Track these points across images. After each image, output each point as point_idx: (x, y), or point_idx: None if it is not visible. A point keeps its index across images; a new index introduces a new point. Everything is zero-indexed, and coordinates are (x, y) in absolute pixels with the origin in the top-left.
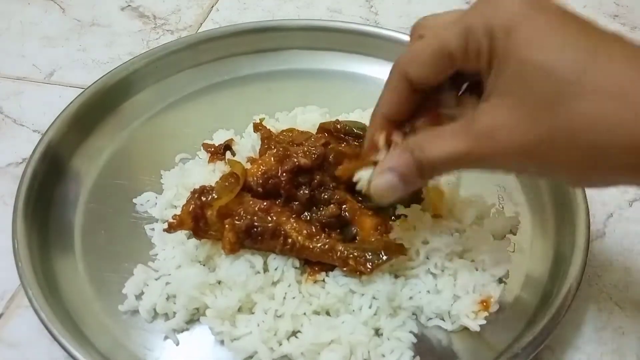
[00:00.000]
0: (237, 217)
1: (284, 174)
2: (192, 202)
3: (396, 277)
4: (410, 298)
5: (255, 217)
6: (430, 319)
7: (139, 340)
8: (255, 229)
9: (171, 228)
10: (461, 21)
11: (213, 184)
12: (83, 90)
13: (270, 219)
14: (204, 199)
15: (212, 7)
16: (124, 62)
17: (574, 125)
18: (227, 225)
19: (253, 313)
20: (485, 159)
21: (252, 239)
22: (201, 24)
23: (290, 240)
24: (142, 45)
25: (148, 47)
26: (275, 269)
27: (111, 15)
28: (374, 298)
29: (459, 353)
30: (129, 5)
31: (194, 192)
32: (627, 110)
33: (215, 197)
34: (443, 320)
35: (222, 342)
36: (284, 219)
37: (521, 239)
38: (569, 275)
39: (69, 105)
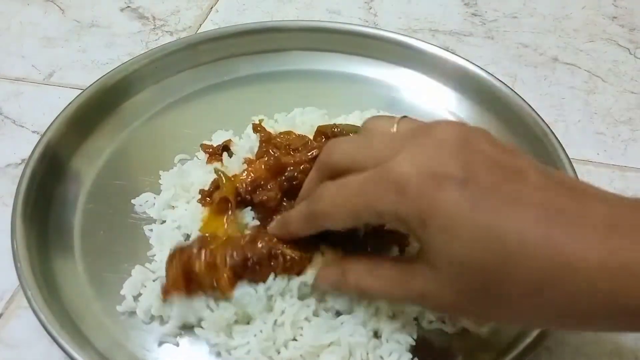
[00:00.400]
0: (228, 256)
1: (275, 190)
2: (176, 264)
3: None
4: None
5: (245, 250)
6: (432, 322)
7: (138, 340)
8: (251, 260)
9: (166, 295)
10: (369, 202)
11: (209, 184)
12: (82, 91)
13: (260, 246)
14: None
15: (212, 8)
16: (123, 63)
17: (507, 313)
18: (220, 265)
19: (249, 324)
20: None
21: (250, 270)
22: (200, 25)
23: (288, 257)
24: (142, 46)
25: (147, 48)
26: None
27: (111, 16)
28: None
29: (458, 354)
30: (129, 7)
31: (172, 255)
32: (558, 297)
33: (195, 249)
34: (444, 322)
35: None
36: (274, 240)
37: None
38: None
39: (68, 105)
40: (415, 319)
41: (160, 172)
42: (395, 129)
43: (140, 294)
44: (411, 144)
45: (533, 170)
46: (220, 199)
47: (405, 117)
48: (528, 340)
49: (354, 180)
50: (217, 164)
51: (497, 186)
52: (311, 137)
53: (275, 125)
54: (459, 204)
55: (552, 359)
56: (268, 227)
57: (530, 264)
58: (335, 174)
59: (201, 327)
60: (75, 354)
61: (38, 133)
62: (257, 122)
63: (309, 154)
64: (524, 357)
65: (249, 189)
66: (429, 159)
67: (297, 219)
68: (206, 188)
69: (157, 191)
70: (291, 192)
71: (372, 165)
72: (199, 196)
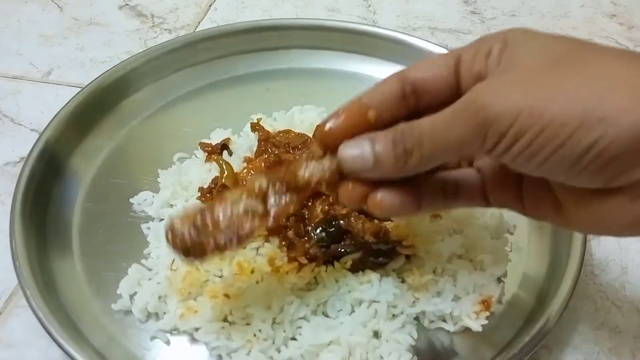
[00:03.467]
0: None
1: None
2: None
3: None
4: (413, 303)
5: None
6: (432, 321)
7: (136, 339)
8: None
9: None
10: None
11: (209, 182)
12: (81, 89)
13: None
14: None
15: (210, 6)
16: (121, 61)
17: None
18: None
19: (249, 324)
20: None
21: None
22: (199, 23)
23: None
24: (140, 44)
25: (146, 46)
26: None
27: (109, 14)
28: (374, 301)
29: (457, 353)
30: (127, 4)
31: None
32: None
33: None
34: (445, 322)
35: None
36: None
37: (518, 238)
38: (566, 274)
39: (66, 104)
40: (416, 318)
41: (159, 171)
42: None
43: (136, 293)
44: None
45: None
46: (221, 186)
47: None
48: (527, 338)
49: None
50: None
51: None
52: (310, 136)
53: (274, 124)
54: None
55: (550, 358)
56: (340, 148)
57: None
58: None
59: (200, 332)
60: (73, 352)
61: (36, 131)
62: (255, 121)
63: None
64: (524, 355)
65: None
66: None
67: (384, 82)
68: (205, 186)
69: (156, 190)
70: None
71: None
72: (198, 194)
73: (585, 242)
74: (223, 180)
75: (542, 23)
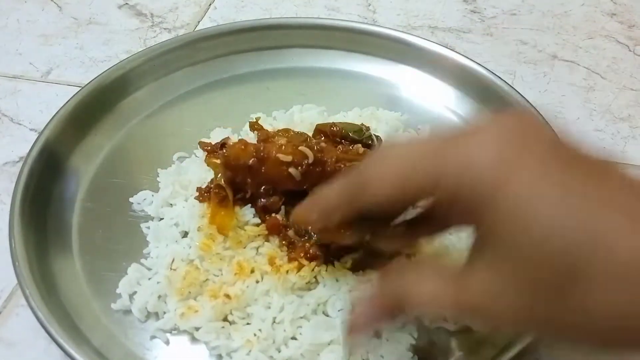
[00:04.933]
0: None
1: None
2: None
3: None
4: None
5: None
6: (433, 320)
7: (136, 339)
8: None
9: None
10: (433, 163)
11: (208, 182)
12: (80, 88)
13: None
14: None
15: (210, 5)
16: (121, 60)
17: (589, 310)
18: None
19: (249, 324)
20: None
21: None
22: (199, 22)
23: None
24: (140, 43)
25: (145, 45)
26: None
27: (108, 13)
28: None
29: (457, 352)
30: (126, 4)
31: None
32: None
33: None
34: (446, 320)
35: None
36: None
37: None
38: None
39: (66, 103)
40: (416, 317)
41: (159, 170)
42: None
43: (135, 292)
44: (486, 126)
45: (616, 170)
46: (216, 186)
47: None
48: (528, 338)
49: (412, 141)
50: (215, 161)
51: (584, 180)
52: (309, 135)
53: (273, 123)
54: (537, 184)
55: (551, 357)
56: (293, 212)
57: (620, 255)
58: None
59: (200, 331)
60: (73, 352)
61: (36, 131)
62: (255, 120)
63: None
64: (525, 355)
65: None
66: (510, 140)
67: (334, 192)
68: (204, 186)
69: (156, 189)
70: (294, 197)
71: (443, 136)
72: (196, 194)
73: None
74: (216, 180)
75: (542, 22)
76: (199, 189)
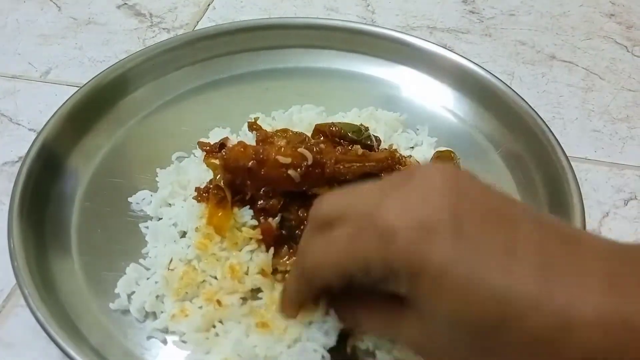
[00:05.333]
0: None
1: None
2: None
3: None
4: None
5: None
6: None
7: (135, 338)
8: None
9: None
10: (355, 251)
11: (207, 182)
12: (79, 88)
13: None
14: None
15: (209, 5)
16: (120, 60)
17: None
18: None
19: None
20: None
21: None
22: (197, 22)
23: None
24: (138, 43)
25: (144, 45)
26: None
27: (107, 13)
28: None
29: None
30: (125, 4)
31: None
32: None
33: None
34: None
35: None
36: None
37: None
38: None
39: (64, 103)
40: None
41: (158, 170)
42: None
43: (134, 292)
44: (397, 191)
45: (526, 218)
46: (215, 187)
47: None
48: None
49: (339, 232)
50: (214, 162)
51: (489, 237)
52: (309, 135)
53: (272, 123)
54: (451, 258)
55: None
56: (277, 308)
57: (527, 323)
58: (326, 227)
59: (184, 337)
60: (71, 352)
61: (35, 131)
62: (253, 120)
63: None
64: None
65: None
66: (416, 207)
67: (291, 286)
68: (203, 186)
69: (154, 189)
70: (293, 199)
71: (360, 214)
72: (195, 194)
73: None
74: (215, 181)
75: (540, 22)
76: (197, 189)
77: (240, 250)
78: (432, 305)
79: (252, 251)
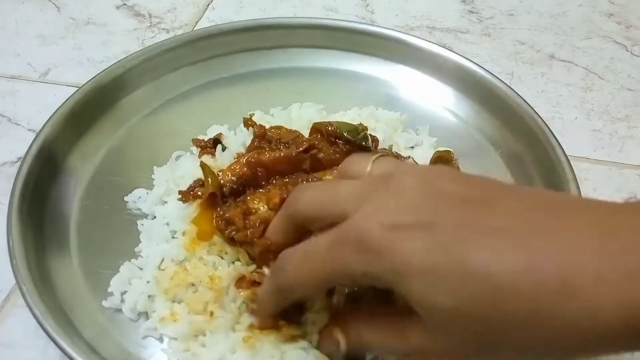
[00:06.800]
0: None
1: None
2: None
3: None
4: None
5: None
6: None
7: (133, 337)
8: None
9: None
10: (335, 264)
11: (193, 182)
12: (78, 88)
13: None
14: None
15: (208, 5)
16: (119, 60)
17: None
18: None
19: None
20: None
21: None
22: (197, 22)
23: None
24: (138, 43)
25: (143, 45)
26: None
27: (106, 13)
28: None
29: None
30: (125, 4)
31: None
32: (557, 327)
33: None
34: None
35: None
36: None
37: None
38: None
39: (63, 103)
40: None
41: (154, 168)
42: (369, 170)
43: (126, 291)
44: (372, 196)
45: (502, 195)
46: (209, 194)
47: (381, 156)
48: None
49: (316, 245)
50: (208, 157)
51: (465, 222)
52: (307, 133)
53: (271, 120)
54: (430, 250)
55: None
56: (252, 310)
57: (520, 296)
58: (301, 225)
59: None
60: (70, 350)
61: (34, 131)
62: (248, 116)
63: (299, 149)
64: None
65: (234, 186)
66: (390, 210)
67: (266, 298)
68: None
69: (152, 187)
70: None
71: (336, 217)
72: (179, 196)
73: None
74: (210, 187)
75: (540, 22)
76: (181, 192)
77: (222, 258)
78: (424, 301)
79: (233, 262)
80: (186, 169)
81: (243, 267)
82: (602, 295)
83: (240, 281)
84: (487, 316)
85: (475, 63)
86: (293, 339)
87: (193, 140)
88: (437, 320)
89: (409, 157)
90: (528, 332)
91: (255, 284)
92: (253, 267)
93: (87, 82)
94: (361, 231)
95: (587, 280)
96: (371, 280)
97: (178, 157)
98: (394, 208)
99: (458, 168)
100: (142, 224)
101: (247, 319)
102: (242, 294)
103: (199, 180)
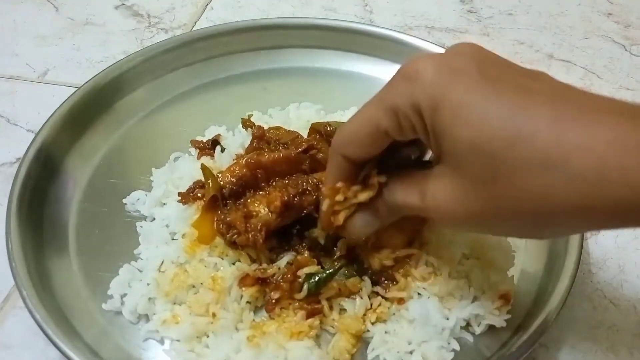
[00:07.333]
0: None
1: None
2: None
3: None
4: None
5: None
6: (461, 327)
7: (133, 339)
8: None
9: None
10: (385, 100)
11: (192, 184)
12: (77, 89)
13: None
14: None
15: (207, 5)
16: (117, 61)
17: (515, 197)
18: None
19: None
20: (436, 220)
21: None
22: (195, 22)
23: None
24: (136, 44)
25: (142, 46)
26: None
27: (105, 14)
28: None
29: (455, 351)
30: (123, 4)
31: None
32: (563, 179)
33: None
34: (470, 325)
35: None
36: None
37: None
38: (563, 272)
39: (62, 104)
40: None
41: (153, 170)
42: None
43: (126, 294)
44: (431, 55)
45: (545, 77)
46: (210, 197)
47: None
48: (524, 337)
49: (372, 98)
50: (207, 158)
51: (508, 82)
52: (301, 133)
53: (270, 121)
54: (472, 91)
55: (548, 356)
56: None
57: (535, 142)
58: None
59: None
60: (69, 352)
61: (32, 132)
62: (247, 117)
63: (298, 149)
64: (521, 353)
65: (234, 188)
66: (446, 58)
67: (332, 172)
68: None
69: (151, 189)
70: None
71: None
72: (179, 198)
73: (582, 241)
74: (211, 189)
75: (538, 22)
76: (180, 194)
77: (223, 259)
78: (452, 134)
79: (234, 262)
80: (185, 170)
81: (246, 266)
82: (612, 158)
83: (243, 279)
84: (502, 155)
85: None
86: (298, 336)
87: (191, 141)
88: (459, 152)
89: None
90: (534, 180)
91: (259, 281)
92: (256, 265)
93: (86, 83)
94: (414, 67)
95: (599, 146)
96: (414, 116)
97: (176, 159)
98: (449, 57)
99: None
100: (141, 226)
101: (250, 317)
102: (246, 291)
103: (198, 181)
